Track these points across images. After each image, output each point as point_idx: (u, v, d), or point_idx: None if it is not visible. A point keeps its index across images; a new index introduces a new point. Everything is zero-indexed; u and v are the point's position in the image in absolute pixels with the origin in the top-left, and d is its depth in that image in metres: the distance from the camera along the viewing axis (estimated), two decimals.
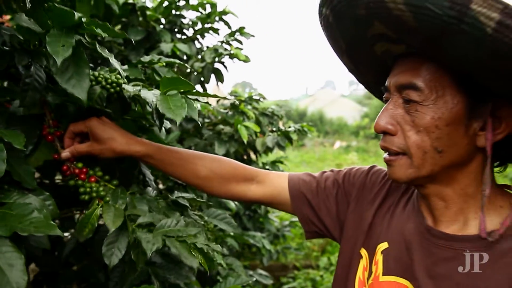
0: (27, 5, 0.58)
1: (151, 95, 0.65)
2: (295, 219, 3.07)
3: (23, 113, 0.73)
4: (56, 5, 0.55)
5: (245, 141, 1.62)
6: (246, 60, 1.72)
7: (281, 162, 2.28)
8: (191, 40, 1.84)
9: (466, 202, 0.61)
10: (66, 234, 1.04)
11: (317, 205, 0.81)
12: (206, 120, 1.91)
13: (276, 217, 2.95)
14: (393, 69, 0.62)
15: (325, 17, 0.61)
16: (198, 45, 1.87)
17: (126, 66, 0.85)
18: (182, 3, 1.75)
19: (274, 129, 2.05)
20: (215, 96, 0.68)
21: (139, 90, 0.66)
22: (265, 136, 1.86)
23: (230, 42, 1.86)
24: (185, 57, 1.78)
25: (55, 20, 0.56)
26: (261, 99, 2.15)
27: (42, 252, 0.65)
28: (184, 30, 1.86)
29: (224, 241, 1.56)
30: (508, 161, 0.65)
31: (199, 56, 1.84)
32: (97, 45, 0.59)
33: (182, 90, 0.66)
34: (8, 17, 0.88)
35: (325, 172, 0.85)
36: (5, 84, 0.80)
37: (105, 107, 0.78)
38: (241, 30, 1.83)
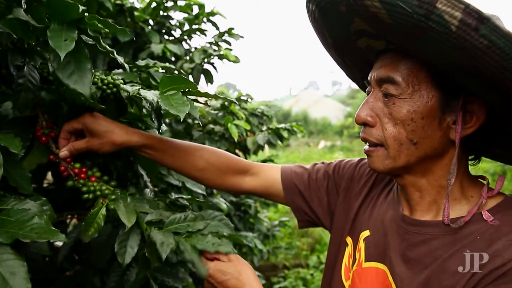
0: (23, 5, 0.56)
1: (150, 94, 0.64)
2: (284, 218, 3.08)
3: (14, 115, 0.71)
4: None
5: (236, 140, 1.61)
6: (236, 60, 1.72)
7: (272, 161, 2.29)
8: (179, 41, 1.82)
9: (439, 193, 0.64)
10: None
11: (309, 196, 0.84)
12: (196, 121, 1.89)
13: (265, 217, 2.96)
14: (375, 64, 0.65)
15: (312, 13, 0.64)
16: (186, 46, 1.86)
17: (120, 70, 0.84)
18: (170, 4, 1.73)
19: (263, 128, 2.06)
20: (215, 96, 0.68)
21: (138, 90, 0.65)
22: (255, 135, 1.86)
23: (219, 43, 1.85)
24: (173, 59, 1.76)
25: (55, 14, 0.55)
26: (249, 100, 2.15)
27: (35, 259, 0.63)
28: (172, 31, 1.84)
29: None
30: (481, 155, 0.68)
31: (187, 57, 1.83)
32: (100, 39, 0.58)
33: (182, 90, 0.66)
34: None
35: (316, 164, 0.89)
36: None
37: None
38: (229, 31, 1.83)
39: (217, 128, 1.75)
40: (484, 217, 0.58)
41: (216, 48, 1.85)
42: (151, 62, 0.88)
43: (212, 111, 1.88)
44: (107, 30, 0.57)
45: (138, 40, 1.64)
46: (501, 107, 0.56)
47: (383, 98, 0.62)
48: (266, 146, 2.00)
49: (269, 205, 2.72)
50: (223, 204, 1.69)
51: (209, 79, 1.80)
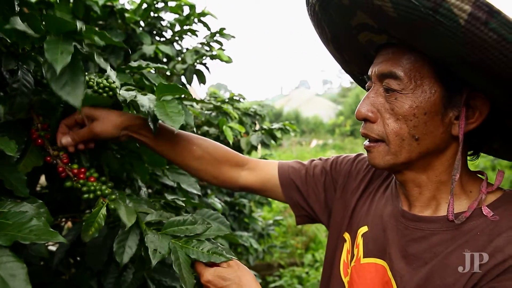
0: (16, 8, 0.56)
1: (147, 101, 0.65)
2: (279, 217, 3.10)
3: (6, 119, 0.71)
4: (53, 13, 0.53)
5: (231, 142, 1.62)
6: (229, 60, 1.72)
7: None
8: (170, 42, 1.82)
9: (438, 189, 0.64)
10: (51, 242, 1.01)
11: (306, 192, 0.84)
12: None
13: (259, 216, 2.97)
14: (376, 59, 0.64)
15: (312, 6, 0.63)
16: (177, 47, 1.86)
17: (113, 72, 0.84)
18: (160, 5, 1.73)
19: (257, 128, 2.07)
20: (210, 103, 0.69)
21: (135, 96, 0.65)
22: (249, 136, 1.87)
23: (211, 44, 1.85)
24: (165, 60, 1.76)
25: (51, 25, 0.55)
26: (241, 100, 2.16)
27: (31, 263, 0.63)
28: (163, 33, 1.84)
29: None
30: (480, 150, 0.69)
31: (179, 58, 1.83)
32: (95, 55, 0.58)
33: (177, 96, 0.66)
34: None
35: (313, 160, 0.89)
36: None
37: None
38: (221, 31, 1.83)
39: (212, 130, 1.75)
40: (484, 213, 0.57)
41: (208, 48, 1.86)
42: (143, 63, 0.88)
43: (205, 111, 1.89)
44: (103, 42, 0.58)
45: (130, 42, 1.64)
46: (506, 102, 0.56)
47: (384, 93, 0.61)
48: (259, 146, 2.01)
49: (263, 204, 2.73)
50: (218, 204, 1.70)
51: (202, 79, 1.80)
